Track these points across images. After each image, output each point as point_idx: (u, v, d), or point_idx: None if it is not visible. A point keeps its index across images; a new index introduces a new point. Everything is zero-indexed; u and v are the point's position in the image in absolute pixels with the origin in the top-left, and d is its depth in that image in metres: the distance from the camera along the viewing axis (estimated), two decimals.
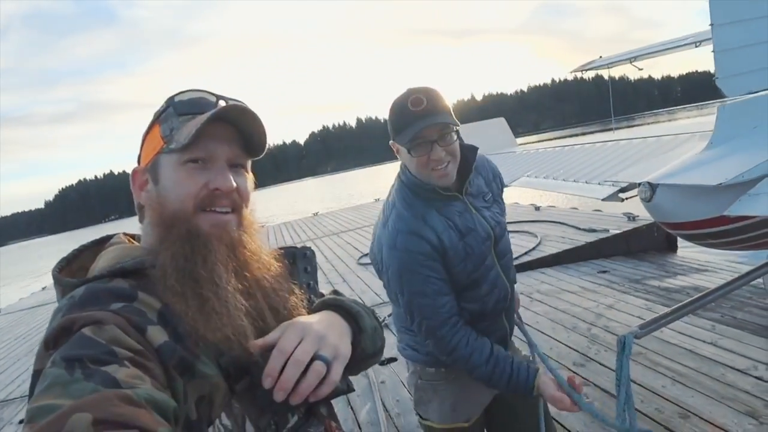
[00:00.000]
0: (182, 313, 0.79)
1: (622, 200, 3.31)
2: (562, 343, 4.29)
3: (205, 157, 0.87)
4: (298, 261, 1.07)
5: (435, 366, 1.78)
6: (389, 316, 4.99)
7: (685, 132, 3.61)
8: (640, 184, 2.63)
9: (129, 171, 0.94)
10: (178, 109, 0.89)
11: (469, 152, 1.69)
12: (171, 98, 0.91)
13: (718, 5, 2.35)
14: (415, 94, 1.53)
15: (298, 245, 1.11)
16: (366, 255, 8.73)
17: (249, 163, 0.95)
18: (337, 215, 17.22)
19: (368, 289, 6.66)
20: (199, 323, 0.79)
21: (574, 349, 4.14)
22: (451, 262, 1.62)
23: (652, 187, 2.52)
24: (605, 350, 4.00)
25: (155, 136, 0.90)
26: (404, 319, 1.74)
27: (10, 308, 12.83)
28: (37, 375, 0.68)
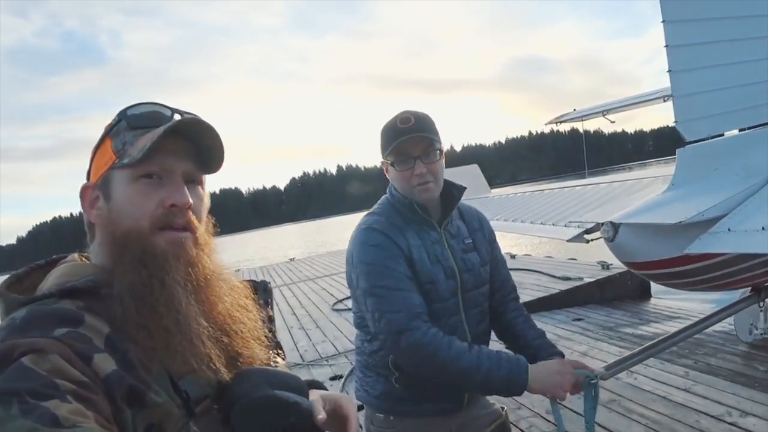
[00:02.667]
0: (146, 346, 0.75)
1: (588, 241, 3.35)
2: None
3: (160, 172, 0.82)
4: (259, 293, 1.04)
5: (384, 412, 1.73)
6: None
7: (649, 176, 3.72)
8: (603, 224, 2.66)
9: None
10: (131, 122, 0.85)
11: (455, 190, 1.72)
12: (123, 111, 0.86)
13: (676, 53, 2.47)
14: (405, 113, 1.61)
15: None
16: (341, 301, 8.65)
17: (204, 180, 0.92)
18: (314, 261, 17.09)
19: (341, 335, 6.54)
20: (163, 357, 0.76)
21: (548, 397, 4.08)
22: (417, 276, 1.60)
23: (615, 226, 2.56)
24: (578, 398, 3.92)
25: (106, 151, 0.85)
26: (363, 335, 1.71)
27: None
28: None
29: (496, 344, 1.77)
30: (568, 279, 7.57)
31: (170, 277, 0.79)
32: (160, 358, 0.76)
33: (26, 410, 0.58)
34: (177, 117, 0.86)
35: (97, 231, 0.85)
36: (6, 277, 0.84)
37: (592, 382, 1.69)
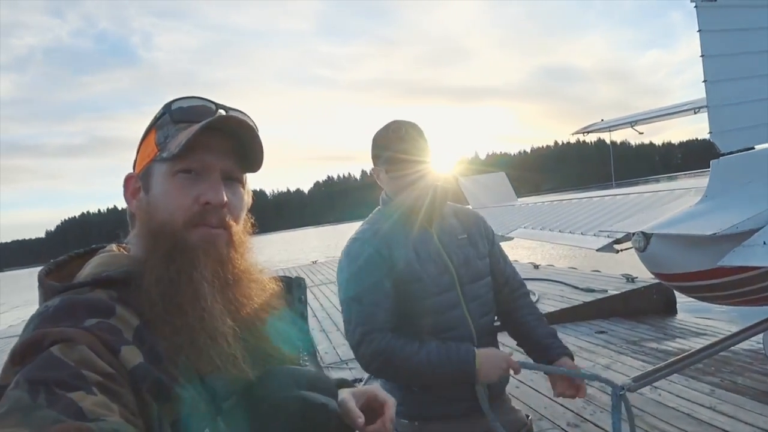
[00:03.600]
0: (172, 342, 0.76)
1: (617, 252, 3.30)
2: (557, 403, 4.17)
3: (198, 168, 0.83)
4: (294, 289, 1.04)
5: (408, 418, 1.75)
6: None
7: (681, 188, 3.65)
8: (634, 234, 2.62)
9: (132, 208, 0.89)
10: (174, 116, 0.85)
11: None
12: (168, 104, 0.87)
13: (711, 63, 2.42)
14: (395, 123, 1.73)
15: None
16: None
17: (245, 178, 0.91)
18: (335, 264, 16.95)
19: None
20: (188, 354, 0.77)
21: (569, 409, 4.02)
22: (401, 277, 1.68)
23: (646, 236, 2.51)
24: (600, 411, 3.89)
25: (150, 143, 0.86)
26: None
27: None
28: (1, 390, 0.64)
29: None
30: (591, 291, 7.45)
31: (198, 273, 0.79)
32: (186, 354, 0.76)
33: (52, 400, 0.59)
34: (221, 113, 0.86)
35: (136, 222, 0.86)
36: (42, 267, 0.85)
37: (620, 393, 1.68)
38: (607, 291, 7.33)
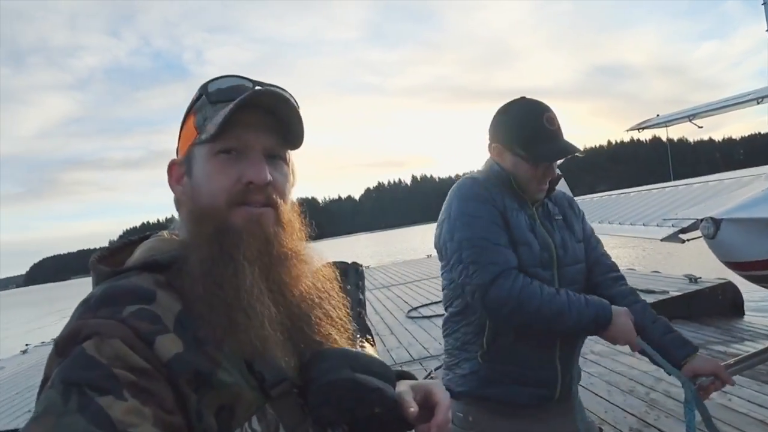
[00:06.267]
0: (212, 324, 0.73)
1: (683, 241, 3.13)
2: (619, 407, 4.02)
3: (239, 147, 0.80)
4: (350, 276, 1.02)
5: (463, 413, 1.69)
6: (436, 369, 4.85)
7: (748, 175, 3.44)
8: (702, 220, 2.47)
9: None
10: (211, 97, 0.83)
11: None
12: (204, 86, 0.84)
13: None
14: (547, 111, 1.63)
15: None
16: (415, 309, 8.67)
17: (289, 155, 0.88)
18: (388, 269, 17.09)
19: (416, 342, 6.52)
20: (228, 337, 0.74)
21: (632, 414, 3.86)
22: (510, 236, 1.59)
23: (716, 222, 2.35)
24: (666, 416, 3.72)
25: (190, 127, 0.85)
26: (454, 309, 1.70)
27: None
28: (45, 382, 0.65)
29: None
30: (652, 292, 7.13)
31: (240, 254, 0.76)
32: (219, 335, 0.74)
33: (83, 405, 0.59)
34: (258, 89, 0.83)
35: (181, 207, 0.86)
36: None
37: (694, 387, 1.60)
38: (668, 292, 7.01)
